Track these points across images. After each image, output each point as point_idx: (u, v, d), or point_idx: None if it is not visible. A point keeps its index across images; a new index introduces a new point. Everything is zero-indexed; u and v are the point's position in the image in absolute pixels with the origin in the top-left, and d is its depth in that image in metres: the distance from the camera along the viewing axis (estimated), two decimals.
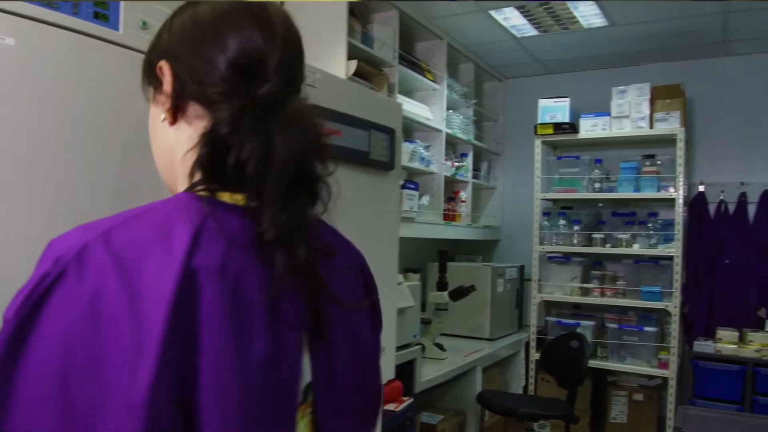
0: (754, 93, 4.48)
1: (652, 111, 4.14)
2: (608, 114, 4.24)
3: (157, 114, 0.82)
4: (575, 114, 4.36)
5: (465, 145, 4.70)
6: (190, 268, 0.65)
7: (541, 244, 4.41)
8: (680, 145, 4.02)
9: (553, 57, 4.74)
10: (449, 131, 4.26)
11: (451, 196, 4.54)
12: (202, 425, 0.63)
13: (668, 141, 4.19)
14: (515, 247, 5.01)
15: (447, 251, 3.45)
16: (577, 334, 3.94)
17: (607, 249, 4.23)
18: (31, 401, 0.60)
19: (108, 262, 0.63)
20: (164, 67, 0.79)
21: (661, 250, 4.07)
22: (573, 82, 4.91)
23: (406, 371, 2.84)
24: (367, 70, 3.42)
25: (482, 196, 5.22)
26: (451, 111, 4.36)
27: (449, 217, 4.30)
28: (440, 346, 3.54)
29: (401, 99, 3.70)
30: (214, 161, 0.72)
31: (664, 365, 4.07)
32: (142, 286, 0.63)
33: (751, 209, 4.44)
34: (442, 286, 3.48)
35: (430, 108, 4.15)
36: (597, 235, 4.27)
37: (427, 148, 4.12)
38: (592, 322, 4.32)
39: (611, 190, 4.27)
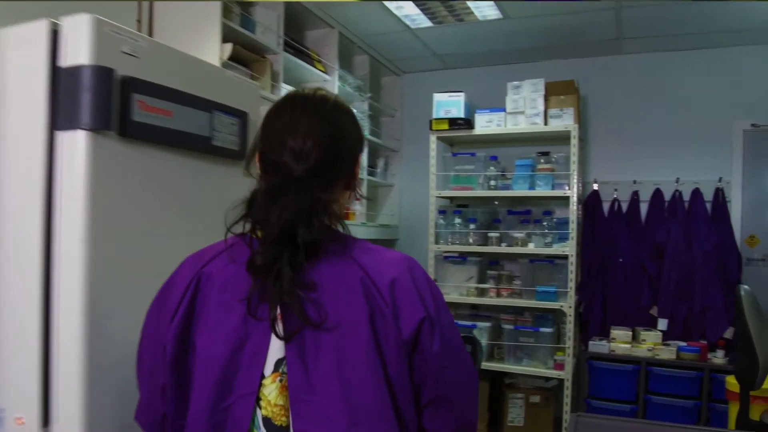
0: (646, 92, 4.50)
1: (547, 107, 4.07)
2: (503, 110, 4.13)
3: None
4: (471, 110, 4.23)
5: None
6: (200, 271, 1.14)
7: (436, 243, 4.26)
8: (574, 142, 3.96)
9: (449, 51, 4.60)
10: None
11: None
12: (196, 357, 1.10)
13: (563, 138, 4.12)
14: (413, 246, 4.85)
15: None
16: (469, 338, 3.79)
17: (503, 248, 4.12)
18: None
19: (188, 259, 1.20)
20: (258, 152, 1.19)
21: (556, 249, 3.99)
22: (469, 77, 4.80)
23: None
24: (247, 56, 3.15)
25: (379, 194, 5.04)
26: None
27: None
28: None
29: (285, 90, 3.46)
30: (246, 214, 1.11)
31: (560, 366, 3.99)
32: (183, 273, 1.16)
33: (644, 208, 4.45)
34: None
35: None
36: (493, 234, 4.16)
37: None
38: (488, 323, 4.21)
39: (507, 187, 4.16)
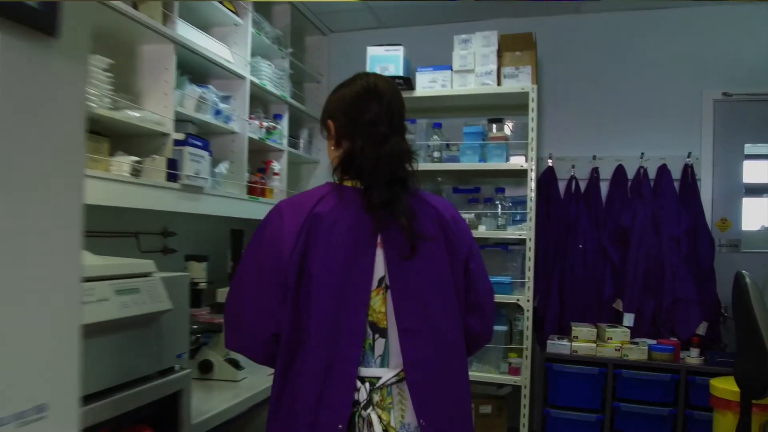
0: (607, 57, 3.96)
1: (500, 65, 3.45)
2: (449, 68, 3.50)
3: (329, 144, 1.61)
4: (411, 68, 3.58)
5: (279, 105, 3.77)
6: (313, 212, 1.44)
7: None
8: (533, 105, 3.36)
9: (386, 5, 3.92)
10: (255, 80, 3.31)
11: (261, 167, 3.59)
12: (313, 282, 1.41)
13: (517, 107, 3.54)
14: None
15: (243, 231, 2.49)
16: None
17: None
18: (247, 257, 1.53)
19: (285, 206, 1.49)
20: (330, 123, 1.58)
21: (511, 233, 3.38)
22: (410, 38, 4.14)
23: (170, 409, 1.87)
24: None
25: (303, 171, 4.32)
26: (260, 57, 3.42)
27: (256, 191, 3.35)
28: (235, 363, 2.59)
29: (183, 28, 2.70)
30: (345, 166, 1.52)
31: (515, 371, 3.39)
32: (291, 218, 1.45)
33: (604, 187, 3.91)
34: None
35: (231, 49, 3.18)
36: None
37: (225, 99, 3.15)
38: None
39: (453, 160, 3.53)
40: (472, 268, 1.58)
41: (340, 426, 1.39)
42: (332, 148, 1.58)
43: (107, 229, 2.74)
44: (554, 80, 3.94)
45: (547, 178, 3.92)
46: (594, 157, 3.90)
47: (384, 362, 1.46)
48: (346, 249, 1.43)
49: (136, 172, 2.44)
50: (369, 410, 1.42)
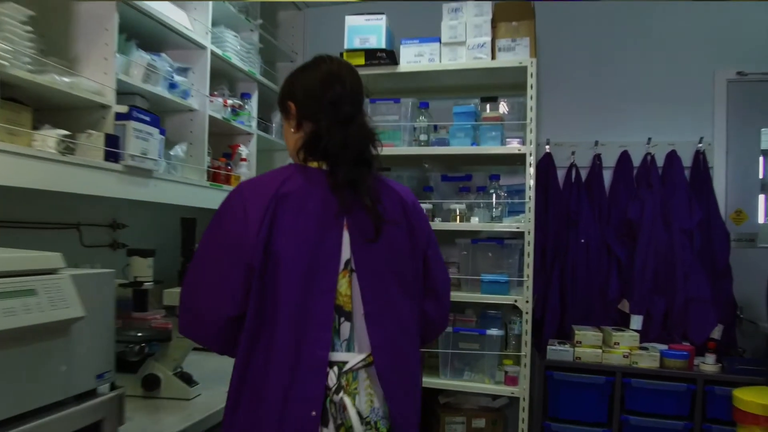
0: (612, 33, 3.58)
1: (495, 37, 3.07)
2: (438, 40, 3.11)
3: (287, 127, 1.59)
4: (395, 41, 3.19)
5: (248, 83, 3.36)
6: (278, 193, 1.41)
7: None
8: (531, 81, 2.98)
9: None
10: (218, 51, 2.90)
11: (227, 152, 3.19)
12: (281, 264, 1.38)
13: (513, 87, 3.18)
14: None
15: (195, 220, 2.08)
16: None
17: (436, 224, 3.10)
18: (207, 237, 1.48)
19: (247, 187, 1.46)
20: (291, 105, 1.55)
21: (507, 225, 3.00)
22: (394, 7, 3.74)
23: None
24: None
25: (276, 158, 3.90)
26: (224, 27, 3.01)
27: (219, 177, 2.95)
28: (187, 378, 2.18)
29: None
30: (310, 147, 1.49)
31: (512, 380, 3.02)
32: (255, 199, 1.41)
33: (607, 175, 3.54)
34: None
35: (190, 14, 2.78)
36: (423, 206, 3.12)
37: (183, 72, 2.74)
38: None
39: (441, 143, 3.13)
40: (430, 255, 1.63)
41: (314, 413, 1.36)
42: (292, 130, 1.57)
43: (40, 219, 2.33)
44: (552, 58, 3.56)
45: (544, 165, 3.55)
46: (596, 143, 3.53)
47: (350, 346, 1.46)
48: (312, 230, 1.42)
49: (68, 150, 2.04)
50: (341, 394, 1.41)
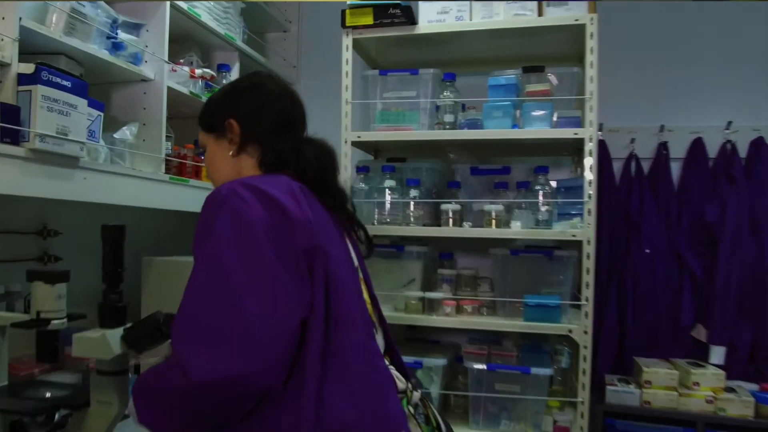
0: None
1: None
2: None
3: (222, 150, 1.38)
4: None
5: (226, 52, 2.68)
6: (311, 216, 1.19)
7: None
8: (591, 44, 2.28)
9: None
10: (181, 4, 2.22)
11: (195, 138, 2.50)
12: (330, 261, 1.16)
13: (560, 58, 2.52)
14: None
15: (122, 228, 1.38)
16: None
17: (466, 230, 2.40)
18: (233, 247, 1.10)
19: (268, 187, 1.17)
20: (233, 123, 1.35)
21: (560, 233, 2.30)
22: None
23: None
24: None
25: None
26: None
27: (183, 170, 2.27)
28: None
29: None
30: (272, 167, 1.32)
31: (562, 431, 2.32)
32: (291, 198, 1.17)
33: (676, 168, 2.84)
34: (108, 312, 1.41)
35: None
36: (448, 207, 2.43)
37: (133, 29, 2.08)
38: (442, 360, 2.47)
39: (472, 126, 2.42)
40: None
41: None
42: (230, 153, 1.37)
43: None
44: (606, 19, 2.85)
45: (596, 156, 2.84)
46: (661, 128, 2.83)
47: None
48: (345, 248, 1.34)
49: None
50: (416, 393, 1.34)
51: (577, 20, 2.29)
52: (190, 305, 1.06)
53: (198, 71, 2.35)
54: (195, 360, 1.00)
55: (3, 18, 1.55)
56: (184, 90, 2.28)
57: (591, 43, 2.27)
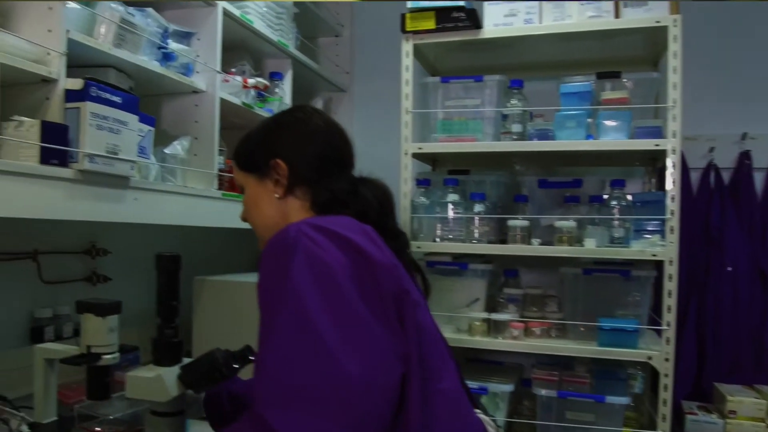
0: None
1: None
2: None
3: (266, 192, 1.23)
4: None
5: (279, 59, 2.57)
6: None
7: (414, 239, 2.34)
8: (674, 48, 2.10)
9: None
10: (233, 11, 2.11)
11: None
12: (411, 301, 1.01)
13: (633, 62, 2.34)
14: None
15: (177, 258, 1.27)
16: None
17: (535, 248, 2.24)
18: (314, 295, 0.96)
19: (342, 229, 1.03)
20: (280, 163, 1.21)
21: (639, 251, 2.12)
22: None
23: None
24: None
25: None
26: None
27: (234, 185, 2.17)
28: None
29: None
30: (327, 209, 1.18)
31: None
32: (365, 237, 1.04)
33: (759, 179, 2.64)
34: (164, 349, 1.29)
35: None
36: (515, 223, 2.27)
37: (184, 38, 1.98)
38: (509, 386, 2.32)
39: (543, 136, 2.26)
40: None
41: None
42: (276, 196, 1.23)
43: None
44: (685, 20, 2.66)
45: (679, 169, 2.65)
46: (744, 136, 2.63)
47: None
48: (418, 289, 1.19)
49: None
50: None
51: (658, 22, 2.11)
52: (274, 365, 0.90)
53: (251, 81, 2.24)
54: (285, 428, 0.84)
55: (50, 31, 1.45)
56: (237, 101, 2.18)
57: (674, 47, 2.09)
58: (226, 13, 2.07)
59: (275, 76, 2.52)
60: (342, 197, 1.18)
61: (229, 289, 2.14)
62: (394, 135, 2.38)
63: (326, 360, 0.87)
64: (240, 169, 1.30)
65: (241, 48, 2.36)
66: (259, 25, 2.29)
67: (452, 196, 2.33)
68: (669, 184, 2.09)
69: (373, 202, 1.19)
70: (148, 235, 2.16)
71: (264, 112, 2.34)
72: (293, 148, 1.23)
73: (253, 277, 2.22)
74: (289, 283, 0.93)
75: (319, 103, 2.99)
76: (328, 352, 0.87)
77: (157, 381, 1.24)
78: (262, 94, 2.35)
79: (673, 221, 2.07)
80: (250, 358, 1.29)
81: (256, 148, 1.27)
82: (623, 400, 2.17)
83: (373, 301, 0.95)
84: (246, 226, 2.17)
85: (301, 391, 0.86)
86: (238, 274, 2.35)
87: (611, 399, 2.16)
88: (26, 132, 1.36)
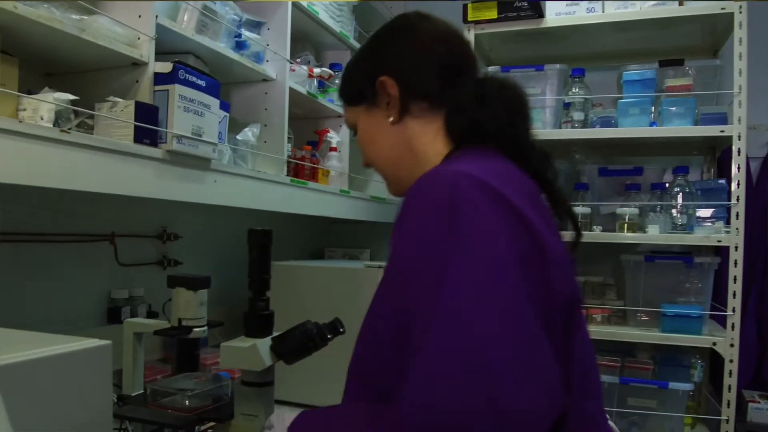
0: None
1: None
2: None
3: (378, 121, 1.04)
4: None
5: (339, 50, 2.61)
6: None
7: None
8: (740, 33, 2.10)
9: None
10: (302, 2, 2.16)
11: (312, 139, 2.45)
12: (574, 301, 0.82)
13: (692, 50, 2.33)
14: None
15: (269, 232, 1.31)
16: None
17: (595, 234, 2.25)
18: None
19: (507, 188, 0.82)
20: (387, 80, 1.00)
21: (703, 237, 2.12)
22: None
23: None
24: None
25: None
26: None
27: (302, 172, 2.21)
28: None
29: None
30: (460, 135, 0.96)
31: None
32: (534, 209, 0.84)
33: None
34: (256, 321, 1.34)
35: None
36: (577, 209, 2.29)
37: (255, 27, 2.03)
38: None
39: (605, 124, 2.28)
40: None
41: None
42: (390, 119, 1.02)
43: (53, 229, 1.67)
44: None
45: (729, 155, 2.64)
46: None
47: None
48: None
49: (84, 125, 1.36)
50: None
51: (723, 9, 2.11)
52: (430, 371, 0.69)
53: (316, 70, 2.28)
54: None
55: (140, 16, 1.51)
56: (303, 90, 2.22)
57: (740, 33, 2.09)
58: (295, 4, 2.12)
59: (336, 67, 2.56)
60: (487, 127, 0.94)
61: (300, 275, 2.18)
62: None
63: (488, 383, 0.67)
64: (346, 104, 1.13)
65: (304, 39, 2.41)
66: (324, 16, 2.33)
67: None
68: (734, 170, 2.09)
69: (503, 121, 0.95)
70: (213, 220, 2.21)
71: (326, 102, 2.38)
72: (400, 60, 1.03)
73: (312, 263, 2.25)
74: (445, 268, 0.72)
75: None
76: (491, 375, 0.67)
77: (252, 350, 1.28)
78: (323, 84, 2.40)
79: (739, 207, 2.07)
80: (341, 330, 1.32)
81: (357, 74, 1.10)
82: (687, 386, 2.17)
83: (541, 307, 0.74)
84: (311, 212, 2.21)
85: (454, 408, 0.67)
86: (304, 261, 2.40)
87: (674, 385, 2.16)
88: (120, 112, 1.42)
